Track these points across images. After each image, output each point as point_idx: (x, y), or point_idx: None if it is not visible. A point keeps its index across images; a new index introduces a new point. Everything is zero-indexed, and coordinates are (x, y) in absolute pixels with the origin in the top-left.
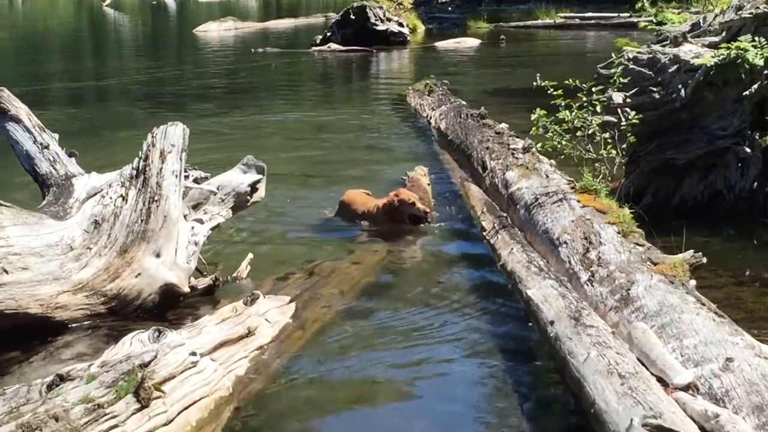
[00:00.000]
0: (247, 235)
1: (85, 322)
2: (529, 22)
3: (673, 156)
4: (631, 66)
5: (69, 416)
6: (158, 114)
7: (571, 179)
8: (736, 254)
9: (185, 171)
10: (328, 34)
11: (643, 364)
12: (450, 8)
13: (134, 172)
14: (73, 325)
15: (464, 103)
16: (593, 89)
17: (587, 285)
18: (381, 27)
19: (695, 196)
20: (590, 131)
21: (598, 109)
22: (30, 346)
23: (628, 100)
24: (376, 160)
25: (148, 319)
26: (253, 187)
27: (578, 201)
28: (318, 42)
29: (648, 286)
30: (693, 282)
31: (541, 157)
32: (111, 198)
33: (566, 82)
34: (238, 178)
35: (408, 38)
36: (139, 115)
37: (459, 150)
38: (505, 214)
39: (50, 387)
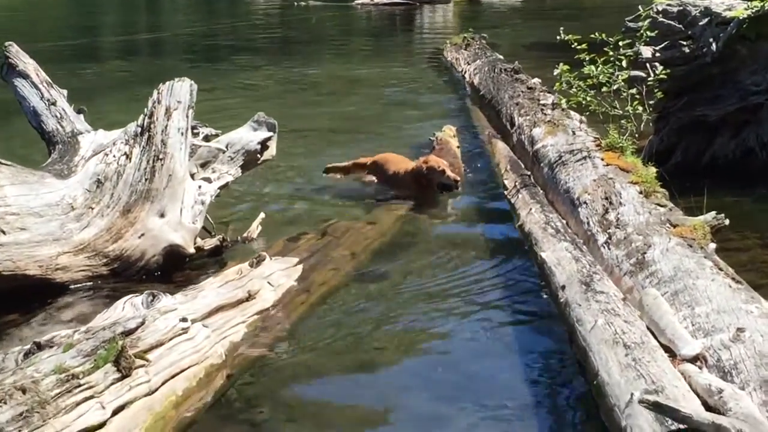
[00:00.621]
0: (261, 193)
1: (87, 284)
2: None
3: (703, 112)
4: (660, 19)
5: (38, 388)
6: (195, 67)
7: (598, 136)
8: (767, 215)
9: (195, 128)
10: None
11: (652, 333)
12: None
13: (139, 130)
14: (75, 286)
15: (500, 57)
16: (620, 43)
17: (604, 248)
18: None
19: (726, 154)
20: (615, 87)
21: (624, 63)
22: (29, 308)
23: (657, 54)
24: (405, 116)
25: (152, 280)
26: (264, 144)
27: (602, 159)
28: None
29: (665, 250)
30: (713, 245)
31: (571, 113)
32: (114, 156)
33: (591, 35)
34: (247, 135)
35: None
36: (175, 67)
37: (490, 105)
38: (528, 173)
39: (27, 355)
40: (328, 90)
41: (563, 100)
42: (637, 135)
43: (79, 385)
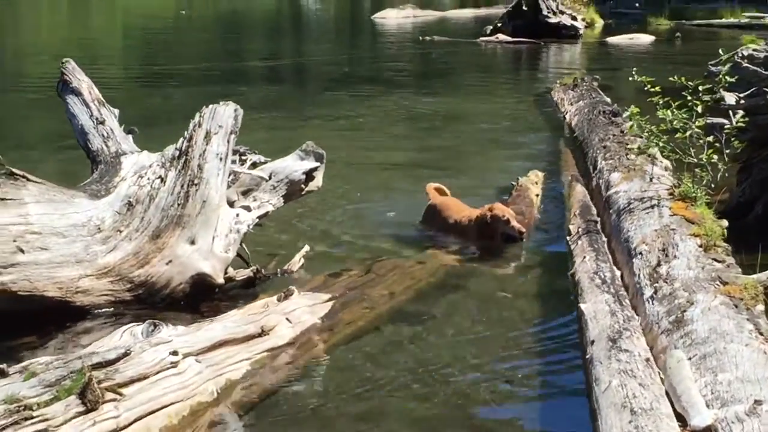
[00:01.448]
0: (316, 225)
1: (109, 309)
2: (712, 21)
3: None
4: (745, 64)
5: None
6: (301, 95)
7: (675, 184)
8: None
9: (244, 155)
10: (499, 24)
11: (671, 398)
12: (637, 4)
13: (176, 153)
14: (97, 311)
15: (607, 99)
16: (699, 88)
17: (648, 302)
18: (553, 20)
19: None
20: (688, 133)
21: (700, 109)
22: (47, 331)
23: (741, 101)
24: (494, 156)
25: (177, 309)
26: (309, 175)
27: (670, 209)
28: (488, 32)
29: (707, 309)
30: (760, 307)
31: (659, 158)
32: (149, 179)
33: (671, 79)
34: (293, 164)
35: (581, 32)
36: (280, 95)
37: (580, 148)
38: (596, 219)
39: None
40: (425, 124)
41: (652, 145)
42: (712, 185)
43: (31, 417)
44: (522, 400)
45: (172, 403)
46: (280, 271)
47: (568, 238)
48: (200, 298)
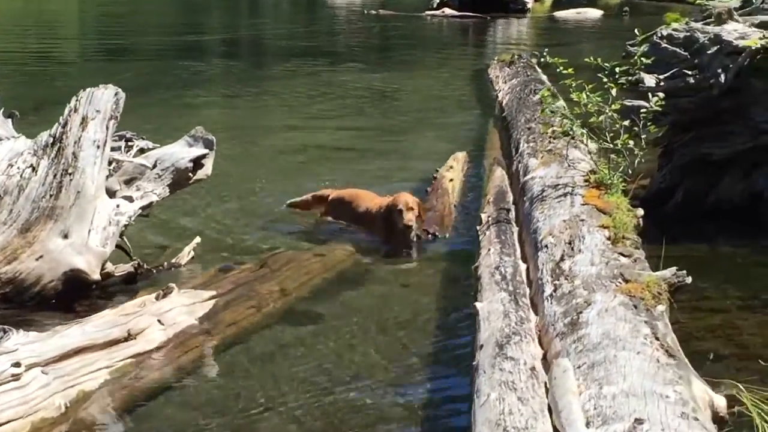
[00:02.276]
0: (210, 215)
1: None
2: None
3: (710, 150)
4: (664, 45)
5: None
6: (231, 72)
7: (593, 171)
8: (764, 270)
9: (131, 140)
10: None
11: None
12: None
13: (50, 140)
14: None
15: (543, 78)
16: (616, 69)
17: (547, 301)
18: None
19: (732, 197)
20: (601, 117)
21: (614, 92)
22: None
23: (661, 83)
24: (418, 138)
25: (49, 308)
26: (198, 162)
27: (583, 197)
28: (434, 6)
29: (603, 310)
30: (661, 307)
31: (583, 141)
32: (19, 168)
33: (586, 60)
34: (180, 151)
35: (528, 6)
36: (209, 70)
37: (506, 128)
38: (511, 207)
39: None
40: (357, 101)
41: (576, 127)
42: (630, 171)
43: None
44: (407, 411)
45: (9, 421)
46: (167, 265)
47: (477, 227)
48: (75, 297)
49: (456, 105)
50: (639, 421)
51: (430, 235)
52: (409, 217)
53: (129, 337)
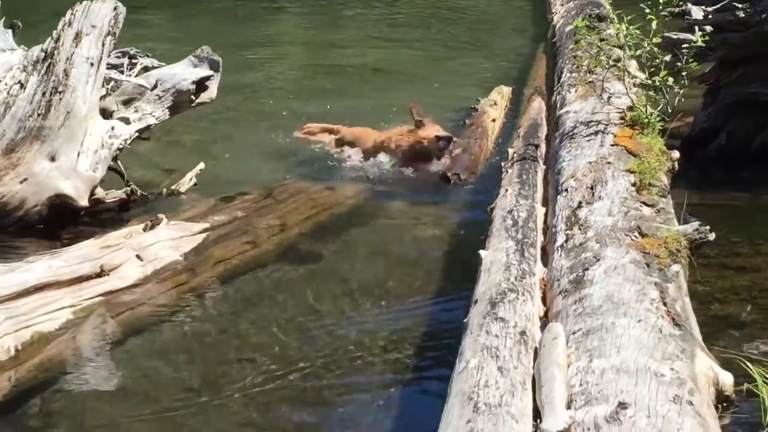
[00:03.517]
0: (219, 142)
1: None
2: None
3: (758, 90)
4: None
5: None
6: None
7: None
8: None
9: (134, 57)
10: None
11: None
12: None
13: (41, 55)
14: None
15: (602, 0)
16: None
17: (557, 253)
18: None
19: None
20: (639, 51)
21: (655, 25)
22: None
23: (710, 16)
24: (462, 64)
25: (32, 235)
26: (202, 84)
27: (614, 136)
28: None
29: (612, 268)
30: (675, 267)
31: (631, 73)
32: (6, 84)
33: None
34: (182, 72)
35: None
36: None
37: (554, 56)
38: (539, 143)
39: None
40: (402, 21)
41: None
42: (669, 110)
43: None
44: (389, 377)
45: None
46: (166, 192)
47: (502, 164)
48: (62, 224)
49: (507, 25)
50: (623, 405)
51: (460, 180)
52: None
53: (101, 273)
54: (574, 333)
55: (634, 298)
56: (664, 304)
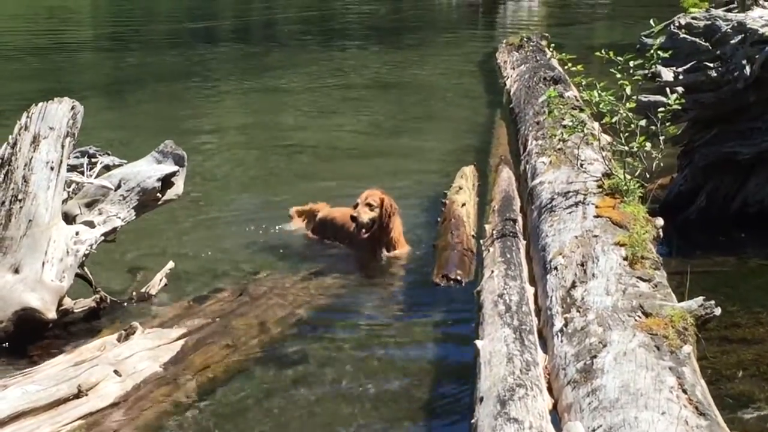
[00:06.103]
0: (188, 236)
1: None
2: None
3: (734, 149)
4: (683, 35)
5: None
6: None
7: (608, 174)
8: None
9: (94, 156)
10: None
11: None
12: None
13: None
14: None
15: (553, 63)
16: (631, 63)
17: (557, 338)
18: None
19: (762, 199)
20: (615, 119)
21: (629, 90)
22: None
23: (681, 77)
24: (420, 139)
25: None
26: (167, 180)
27: (597, 207)
28: None
29: (621, 354)
30: (687, 349)
31: (598, 140)
32: None
33: (597, 53)
34: (146, 169)
35: None
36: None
37: (514, 122)
38: (517, 217)
39: None
40: (356, 94)
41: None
42: (647, 175)
43: None
44: None
45: None
46: (136, 296)
47: (481, 241)
48: (29, 338)
49: (462, 96)
50: None
51: (451, 282)
52: (361, 211)
53: (79, 394)
54: (594, 430)
55: (652, 387)
56: (684, 391)
